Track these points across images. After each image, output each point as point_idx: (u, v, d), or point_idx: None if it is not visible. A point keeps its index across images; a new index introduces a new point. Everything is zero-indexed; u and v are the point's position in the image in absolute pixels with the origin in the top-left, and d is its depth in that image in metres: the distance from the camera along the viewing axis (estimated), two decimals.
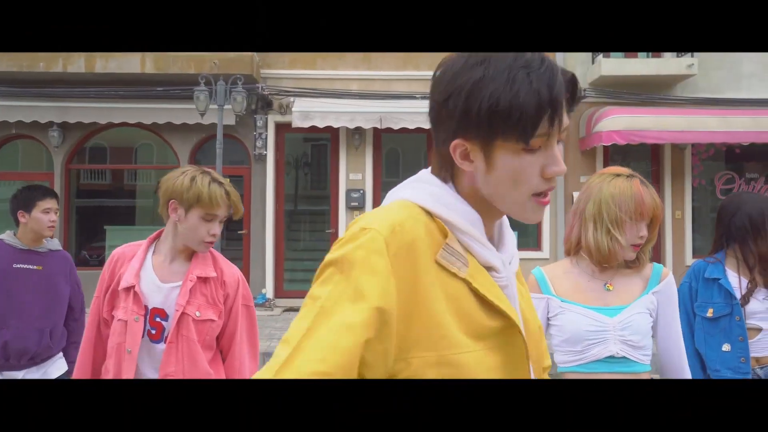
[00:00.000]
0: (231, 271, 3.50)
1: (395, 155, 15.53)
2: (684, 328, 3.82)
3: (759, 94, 14.53)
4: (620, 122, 13.36)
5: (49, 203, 4.80)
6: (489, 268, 1.51)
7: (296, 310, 14.16)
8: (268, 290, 14.63)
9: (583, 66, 14.58)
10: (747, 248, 3.97)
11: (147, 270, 3.37)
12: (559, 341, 3.03)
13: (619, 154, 14.85)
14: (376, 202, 14.76)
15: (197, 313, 3.30)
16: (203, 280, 3.37)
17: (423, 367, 1.36)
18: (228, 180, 3.47)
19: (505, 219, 1.64)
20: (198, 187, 3.27)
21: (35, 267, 4.79)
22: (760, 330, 3.87)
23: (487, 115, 1.38)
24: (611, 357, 2.90)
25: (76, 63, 13.64)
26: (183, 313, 3.27)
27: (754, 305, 3.90)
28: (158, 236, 3.50)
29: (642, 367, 2.94)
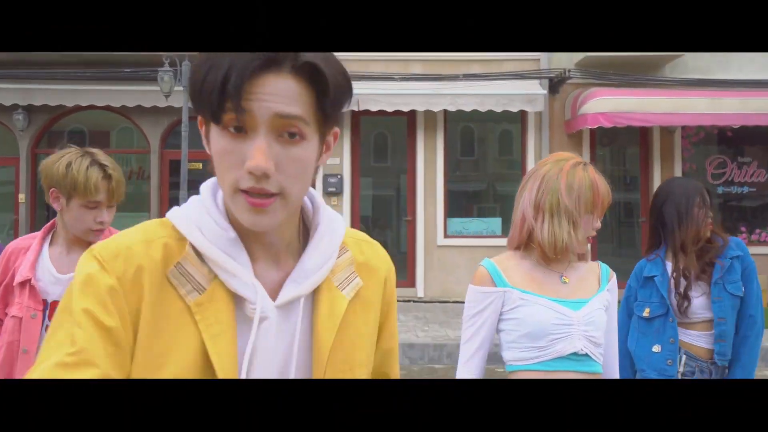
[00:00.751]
0: None
1: (383, 139, 15.19)
2: (621, 328, 3.66)
3: (750, 75, 14.10)
4: (606, 104, 12.96)
5: None
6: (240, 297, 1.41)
7: None
8: None
9: None
10: (674, 238, 3.93)
11: (44, 262, 3.21)
12: (516, 336, 2.82)
13: (607, 137, 14.48)
14: (355, 188, 14.54)
15: None
16: None
17: None
18: (111, 160, 3.25)
19: (323, 220, 1.54)
20: (73, 174, 3.10)
21: None
22: (711, 320, 3.83)
23: (189, 86, 1.35)
24: (574, 354, 2.74)
25: None
26: None
27: (698, 302, 3.84)
28: (54, 226, 3.33)
29: (598, 367, 2.81)
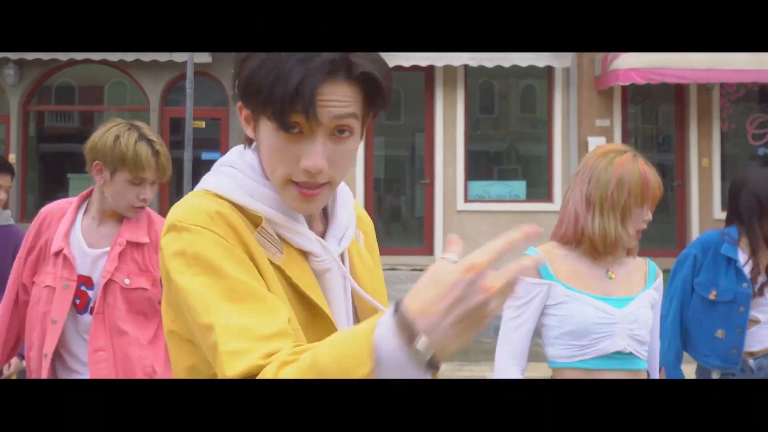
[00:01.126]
0: None
1: (395, 95, 14.38)
2: (675, 302, 3.87)
3: None
4: (639, 59, 12.41)
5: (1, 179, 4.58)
6: (306, 253, 1.56)
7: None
8: None
9: None
10: (753, 230, 3.79)
11: (75, 232, 3.26)
12: (559, 333, 2.91)
13: (639, 94, 13.97)
14: (368, 148, 13.99)
15: (126, 281, 3.18)
16: (135, 245, 3.24)
17: None
18: (157, 135, 3.31)
19: (339, 188, 1.65)
20: (121, 148, 3.13)
21: None
22: (758, 322, 3.76)
23: (245, 84, 1.45)
24: (618, 352, 2.82)
25: None
26: (110, 281, 3.16)
27: (760, 297, 3.78)
28: (90, 194, 3.37)
29: (643, 364, 2.90)
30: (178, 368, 1.53)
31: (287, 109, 1.36)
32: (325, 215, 1.67)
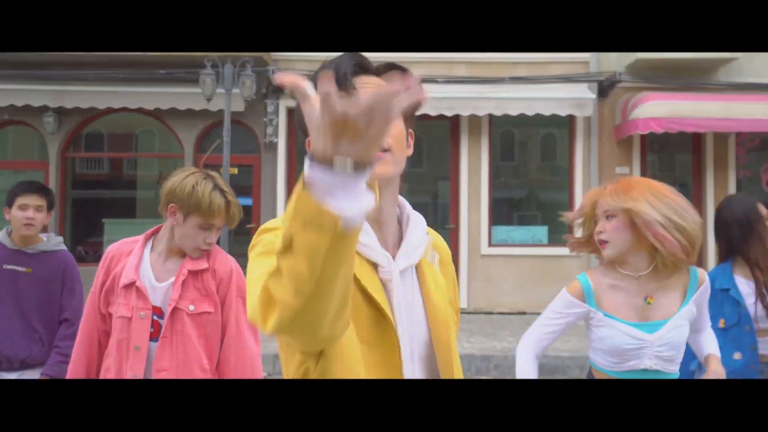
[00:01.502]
0: (224, 261, 3.54)
1: (417, 143, 14.54)
2: None
3: None
4: (658, 109, 12.64)
5: (28, 199, 4.57)
6: (376, 264, 1.82)
7: None
8: None
9: None
10: (745, 253, 4.14)
11: (145, 266, 3.43)
12: (597, 346, 3.29)
13: (658, 142, 14.14)
14: None
15: (191, 307, 3.36)
16: (195, 273, 3.41)
17: None
18: (228, 186, 3.50)
19: (411, 213, 1.99)
20: (198, 195, 3.33)
21: (23, 269, 4.61)
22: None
23: (299, 120, 1.73)
24: (645, 369, 3.14)
25: None
26: (176, 308, 3.33)
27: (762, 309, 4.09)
28: (155, 232, 3.57)
29: (672, 375, 3.19)
30: (289, 371, 1.73)
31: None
32: (400, 237, 1.92)
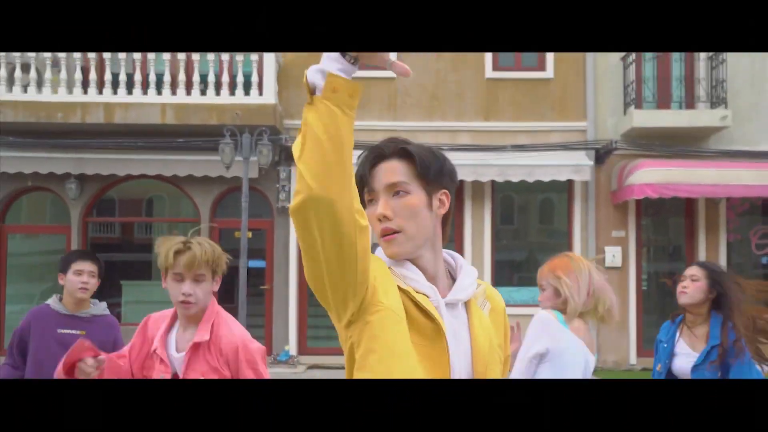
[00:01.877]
0: (230, 337, 3.42)
1: None
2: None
3: None
4: (653, 175, 13.17)
5: (82, 265, 4.75)
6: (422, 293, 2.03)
7: (321, 367, 13.78)
8: (292, 347, 14.29)
9: (615, 117, 14.42)
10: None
11: (172, 336, 3.45)
12: None
13: (652, 207, 14.59)
14: None
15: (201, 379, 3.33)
16: (201, 345, 3.35)
17: (382, 319, 1.92)
18: (208, 240, 3.47)
19: (464, 265, 2.19)
20: (163, 250, 3.34)
21: (78, 332, 4.68)
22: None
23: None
24: None
25: (95, 113, 13.37)
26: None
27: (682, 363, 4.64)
28: None
29: None
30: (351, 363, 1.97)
31: (361, 191, 1.98)
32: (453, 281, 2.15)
